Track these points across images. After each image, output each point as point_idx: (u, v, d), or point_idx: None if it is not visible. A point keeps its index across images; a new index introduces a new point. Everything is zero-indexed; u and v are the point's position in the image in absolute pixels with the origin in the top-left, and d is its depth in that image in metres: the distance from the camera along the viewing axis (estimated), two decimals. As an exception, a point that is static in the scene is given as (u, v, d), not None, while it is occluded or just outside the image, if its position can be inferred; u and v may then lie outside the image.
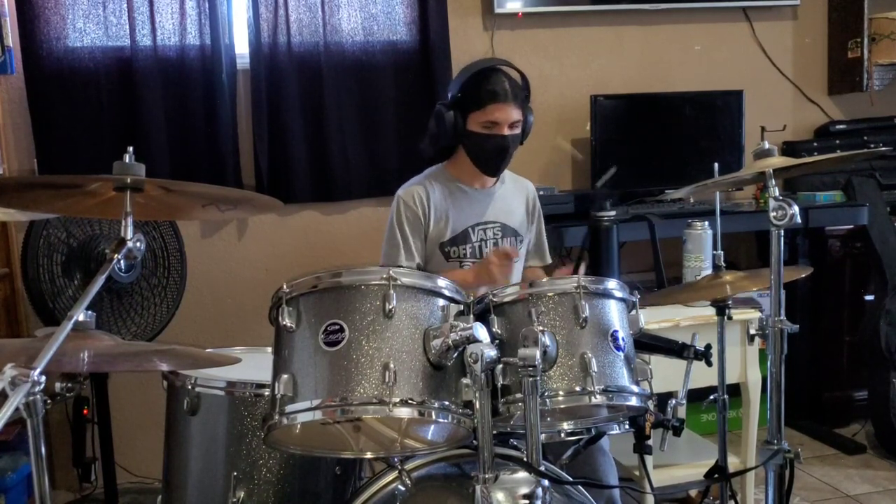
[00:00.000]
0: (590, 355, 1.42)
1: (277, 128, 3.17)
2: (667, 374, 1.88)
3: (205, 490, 1.72)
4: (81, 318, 1.28)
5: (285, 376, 1.37)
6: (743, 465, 2.59)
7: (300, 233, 3.27)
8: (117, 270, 1.28)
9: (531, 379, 1.29)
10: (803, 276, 2.14)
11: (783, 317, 1.69)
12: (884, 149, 3.31)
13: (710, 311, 2.11)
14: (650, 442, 1.70)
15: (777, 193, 1.66)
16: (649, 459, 2.17)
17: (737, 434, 2.74)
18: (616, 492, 1.97)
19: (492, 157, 2.20)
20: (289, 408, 1.35)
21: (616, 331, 1.48)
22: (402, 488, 1.52)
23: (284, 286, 1.43)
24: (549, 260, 2.50)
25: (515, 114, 2.16)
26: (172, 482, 1.79)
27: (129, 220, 1.29)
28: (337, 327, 1.36)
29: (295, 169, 3.21)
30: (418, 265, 2.23)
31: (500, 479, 1.41)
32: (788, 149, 3.61)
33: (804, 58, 3.80)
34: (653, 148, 3.47)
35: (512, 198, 2.35)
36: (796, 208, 1.62)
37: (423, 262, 2.26)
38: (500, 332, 1.44)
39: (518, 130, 2.19)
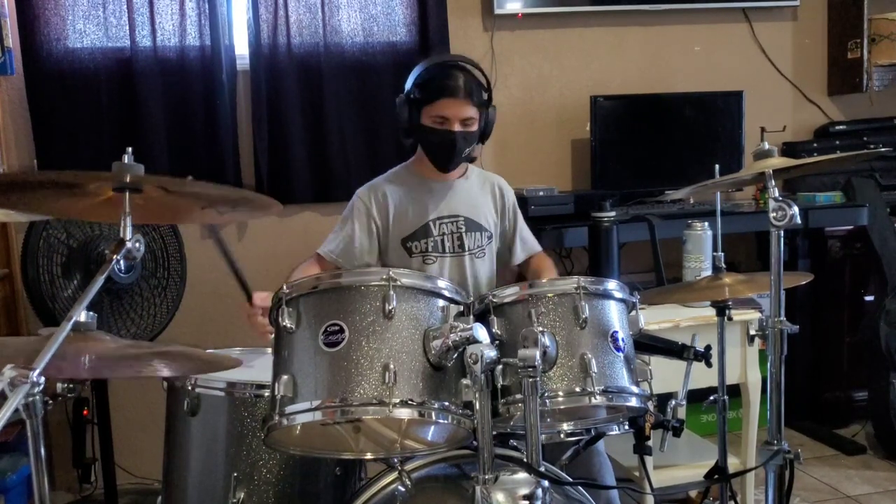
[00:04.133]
0: (590, 356, 1.42)
1: (277, 128, 3.17)
2: (666, 374, 1.88)
3: (205, 491, 1.72)
4: (82, 318, 1.27)
5: (285, 377, 1.37)
6: (743, 465, 2.59)
7: (300, 233, 3.27)
8: (117, 271, 1.27)
9: (531, 380, 1.29)
10: (804, 282, 2.13)
11: (783, 317, 1.69)
12: (883, 149, 3.32)
13: (710, 312, 2.11)
14: (650, 443, 1.70)
15: (777, 194, 1.66)
16: (649, 460, 2.17)
17: (737, 435, 2.74)
18: (614, 492, 1.97)
19: (441, 152, 2.17)
20: (289, 408, 1.35)
21: (616, 331, 1.48)
22: (402, 489, 1.52)
23: (284, 287, 1.43)
24: (539, 248, 2.43)
25: (468, 111, 2.12)
26: (172, 483, 1.79)
27: (128, 220, 1.29)
28: (337, 328, 1.36)
29: (295, 169, 3.21)
30: (338, 256, 2.23)
31: (499, 480, 1.41)
32: (788, 149, 3.61)
33: (804, 58, 3.80)
34: (653, 148, 3.47)
35: (478, 192, 2.31)
36: (796, 209, 1.62)
37: (360, 256, 2.24)
38: (499, 332, 1.44)
39: (472, 128, 2.15)
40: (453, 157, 2.16)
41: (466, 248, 2.24)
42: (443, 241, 2.23)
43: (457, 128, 2.12)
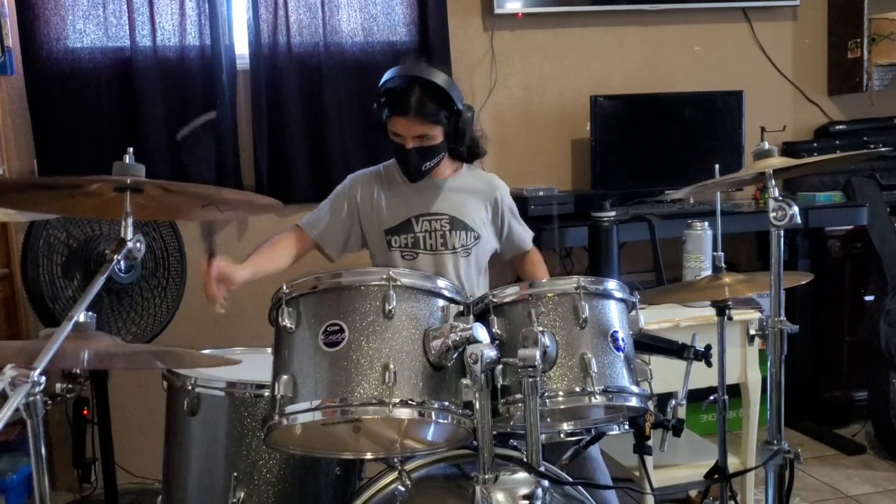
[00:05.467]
0: (590, 356, 1.42)
1: (277, 128, 3.17)
2: (666, 374, 1.88)
3: (205, 491, 1.72)
4: (81, 318, 1.28)
5: (285, 377, 1.37)
6: (743, 465, 2.59)
7: (300, 233, 3.27)
8: (117, 271, 1.28)
9: (531, 379, 1.29)
10: (804, 282, 2.13)
11: (783, 317, 1.69)
12: (884, 149, 3.32)
13: (710, 312, 2.11)
14: (650, 442, 1.70)
15: (777, 194, 1.66)
16: (649, 460, 2.17)
17: (737, 434, 2.74)
18: (611, 494, 1.96)
19: (402, 165, 2.19)
20: (289, 408, 1.35)
21: (616, 331, 1.48)
22: (402, 489, 1.52)
23: (284, 286, 1.43)
24: (529, 246, 2.39)
25: (419, 128, 2.09)
26: (172, 483, 1.79)
27: (129, 220, 1.30)
28: (337, 328, 1.36)
29: (295, 169, 3.21)
30: (316, 234, 2.26)
31: (499, 480, 1.41)
32: (788, 149, 3.61)
33: (804, 58, 3.80)
34: (653, 148, 3.47)
35: (468, 192, 2.29)
36: (796, 209, 1.62)
37: (344, 238, 2.27)
38: (499, 332, 1.44)
39: (432, 143, 2.12)
40: (411, 172, 2.17)
41: (451, 247, 2.23)
42: (424, 238, 2.22)
43: (410, 144, 2.11)
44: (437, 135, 2.12)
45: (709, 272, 2.46)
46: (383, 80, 2.16)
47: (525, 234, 2.40)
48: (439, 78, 2.11)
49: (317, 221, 2.28)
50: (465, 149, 2.27)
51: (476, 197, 2.30)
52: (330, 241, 2.27)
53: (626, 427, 1.68)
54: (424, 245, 2.22)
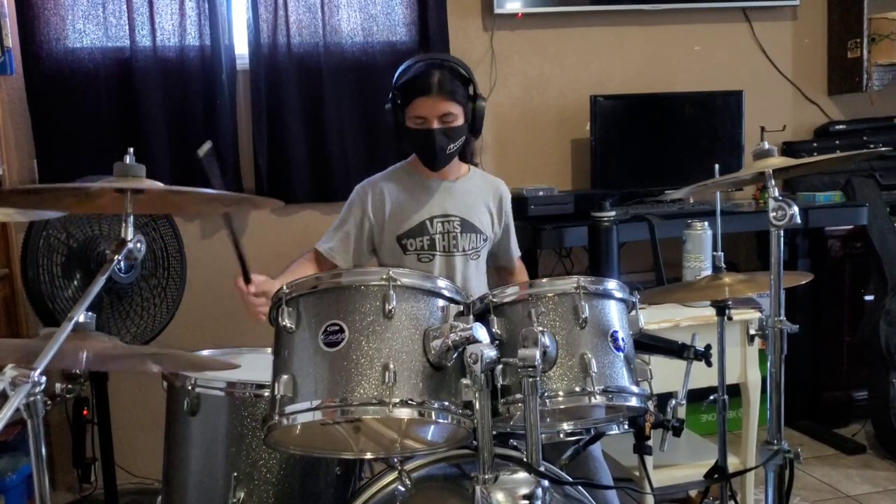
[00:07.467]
0: (589, 356, 1.42)
1: (277, 128, 3.17)
2: (667, 374, 1.88)
3: (205, 491, 1.72)
4: (81, 319, 1.27)
5: (285, 377, 1.37)
6: (743, 465, 2.59)
7: (300, 233, 3.27)
8: (117, 271, 1.28)
9: (531, 379, 1.29)
10: (804, 282, 2.13)
11: (783, 317, 1.69)
12: (883, 149, 3.33)
13: (710, 312, 2.11)
14: (650, 442, 1.70)
15: (777, 194, 1.66)
16: (649, 460, 2.17)
17: (737, 434, 2.74)
18: (612, 495, 1.96)
19: (425, 152, 2.17)
20: (289, 408, 1.35)
21: (616, 331, 1.48)
22: (402, 489, 1.52)
23: (284, 287, 1.43)
24: (515, 264, 2.44)
25: (444, 107, 2.10)
26: (172, 483, 1.79)
27: (130, 220, 1.29)
28: (337, 328, 1.36)
29: (295, 169, 3.21)
30: (332, 250, 2.25)
31: (499, 480, 1.41)
32: (788, 149, 3.61)
33: (804, 58, 3.81)
34: (653, 148, 3.47)
35: (477, 194, 2.30)
36: (796, 208, 1.62)
37: (355, 252, 2.26)
38: (499, 332, 1.44)
39: (454, 123, 2.12)
40: (436, 154, 2.15)
41: (461, 249, 2.23)
42: (439, 239, 2.22)
43: (435, 125, 2.11)
44: (459, 115, 2.13)
45: (709, 272, 2.46)
46: (398, 73, 2.17)
47: (515, 248, 2.43)
48: (457, 61, 2.18)
49: (335, 243, 2.25)
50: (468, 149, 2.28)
51: (484, 199, 2.30)
52: (349, 258, 2.25)
53: (626, 427, 1.68)
54: (439, 247, 2.22)
